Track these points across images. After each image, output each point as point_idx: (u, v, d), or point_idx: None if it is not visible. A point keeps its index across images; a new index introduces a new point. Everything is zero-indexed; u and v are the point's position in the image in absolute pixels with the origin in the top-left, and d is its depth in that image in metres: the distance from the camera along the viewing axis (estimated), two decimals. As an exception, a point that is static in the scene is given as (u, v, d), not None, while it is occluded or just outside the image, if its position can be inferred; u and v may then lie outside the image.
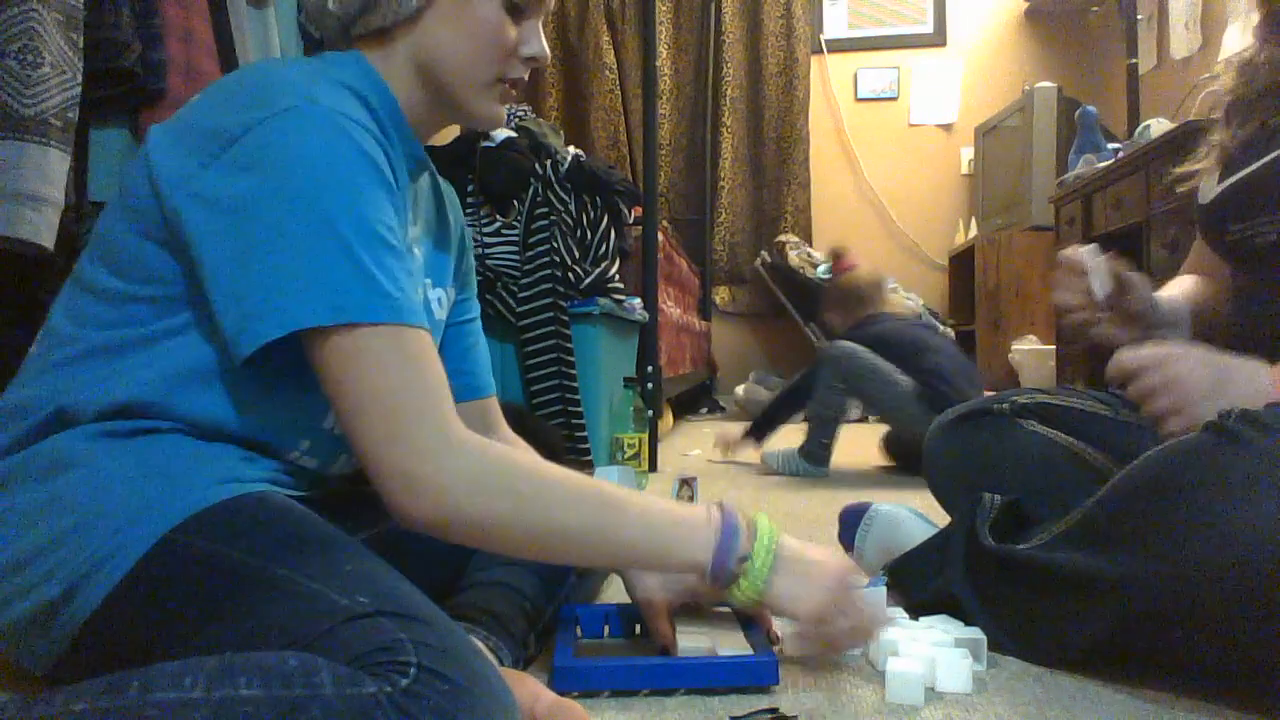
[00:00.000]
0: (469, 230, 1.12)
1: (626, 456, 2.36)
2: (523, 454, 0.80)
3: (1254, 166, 1.10)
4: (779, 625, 1.02)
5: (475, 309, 1.12)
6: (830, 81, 5.20)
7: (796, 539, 0.89)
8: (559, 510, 0.77)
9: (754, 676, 0.91)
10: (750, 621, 1.00)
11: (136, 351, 0.79)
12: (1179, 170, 1.26)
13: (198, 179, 0.74)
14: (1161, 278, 1.28)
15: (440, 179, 1.06)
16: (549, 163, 2.33)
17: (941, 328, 2.64)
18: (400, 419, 0.72)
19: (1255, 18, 1.17)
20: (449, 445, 0.73)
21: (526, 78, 0.91)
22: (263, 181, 0.72)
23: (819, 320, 3.70)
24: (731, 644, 0.97)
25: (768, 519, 0.88)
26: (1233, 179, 1.12)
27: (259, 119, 0.74)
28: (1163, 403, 0.95)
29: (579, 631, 1.05)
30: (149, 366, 0.79)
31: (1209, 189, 1.17)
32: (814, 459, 2.61)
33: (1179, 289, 1.27)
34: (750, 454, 2.84)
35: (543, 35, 0.91)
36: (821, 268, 4.63)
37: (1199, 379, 0.94)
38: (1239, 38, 3.01)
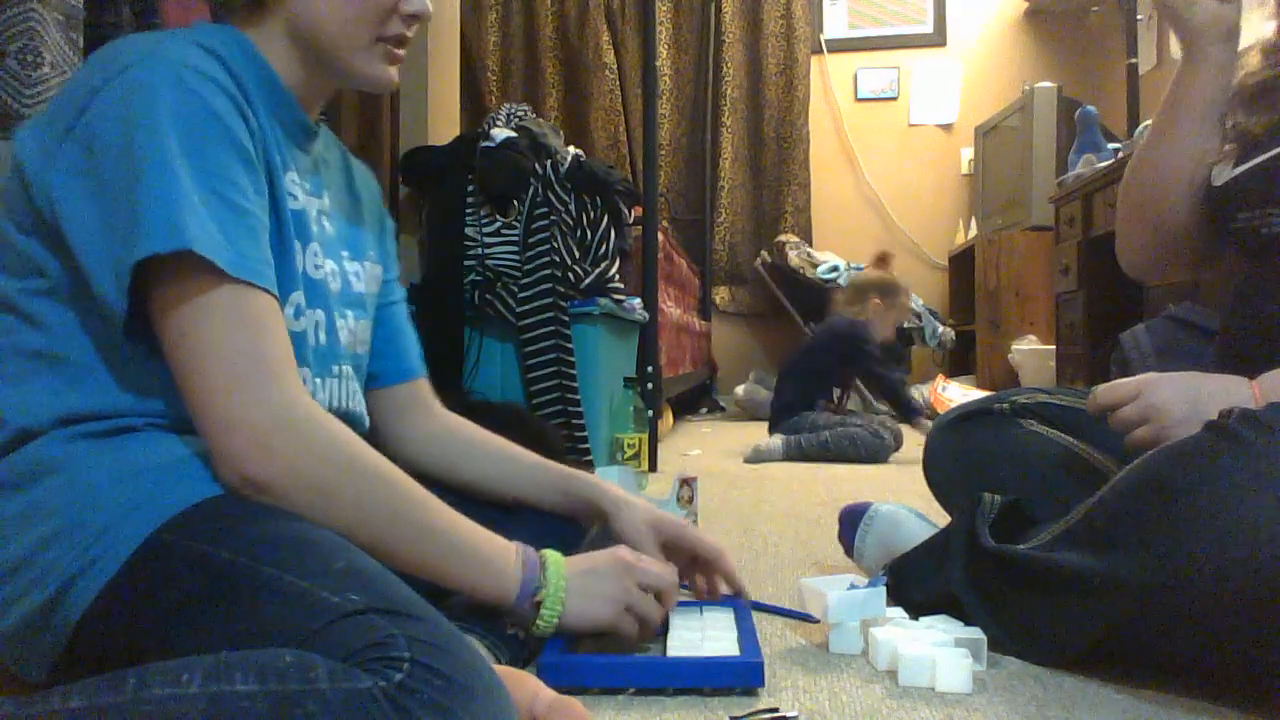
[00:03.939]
0: (386, 211, 1.11)
1: (626, 456, 2.36)
2: (360, 441, 0.79)
3: (1274, 152, 1.07)
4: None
5: (400, 292, 1.11)
6: (830, 81, 5.20)
7: (576, 559, 0.91)
8: (395, 503, 0.78)
9: (741, 678, 0.90)
10: (744, 624, 0.99)
11: (61, 364, 0.78)
12: None
13: (58, 154, 0.75)
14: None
15: (351, 155, 1.05)
16: (549, 163, 2.33)
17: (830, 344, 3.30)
18: (244, 371, 0.72)
19: (1268, 7, 1.15)
20: (295, 406, 0.74)
21: (412, 35, 0.90)
22: (108, 143, 0.74)
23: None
24: (722, 646, 0.96)
25: (554, 554, 0.89)
26: (1250, 163, 1.10)
27: (101, 83, 0.75)
28: (1142, 433, 0.99)
29: None
30: (84, 379, 0.78)
31: (1223, 171, 1.14)
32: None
33: None
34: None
35: None
36: (822, 268, 4.64)
37: (1176, 409, 0.98)
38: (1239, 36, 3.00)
